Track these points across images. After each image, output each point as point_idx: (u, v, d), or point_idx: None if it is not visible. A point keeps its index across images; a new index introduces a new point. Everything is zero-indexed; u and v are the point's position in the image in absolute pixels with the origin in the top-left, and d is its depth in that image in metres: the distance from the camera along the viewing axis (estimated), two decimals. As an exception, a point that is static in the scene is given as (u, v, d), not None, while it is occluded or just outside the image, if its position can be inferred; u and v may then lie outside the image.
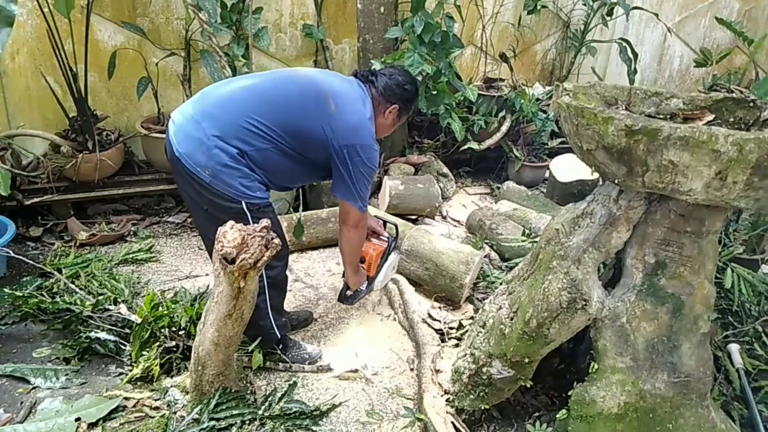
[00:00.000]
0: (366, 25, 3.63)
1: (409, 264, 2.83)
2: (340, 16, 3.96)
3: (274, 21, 3.82)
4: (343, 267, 2.38)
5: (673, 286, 1.66)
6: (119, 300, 2.49)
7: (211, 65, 3.29)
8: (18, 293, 2.47)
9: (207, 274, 2.98)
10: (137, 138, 3.56)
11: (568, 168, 3.67)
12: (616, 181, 1.63)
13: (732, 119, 1.90)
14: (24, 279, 2.75)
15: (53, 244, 3.19)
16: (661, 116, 1.91)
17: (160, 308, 2.25)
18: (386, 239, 2.52)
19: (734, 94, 1.92)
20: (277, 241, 1.71)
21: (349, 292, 2.46)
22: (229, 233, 1.68)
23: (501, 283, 2.19)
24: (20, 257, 2.54)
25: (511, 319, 1.84)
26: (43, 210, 3.40)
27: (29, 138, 3.36)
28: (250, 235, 1.68)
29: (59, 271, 2.80)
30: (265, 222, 1.74)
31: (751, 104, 1.84)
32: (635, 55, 4.05)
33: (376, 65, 3.48)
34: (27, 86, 3.40)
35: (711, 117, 1.89)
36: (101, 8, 3.38)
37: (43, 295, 2.50)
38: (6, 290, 2.46)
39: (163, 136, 3.42)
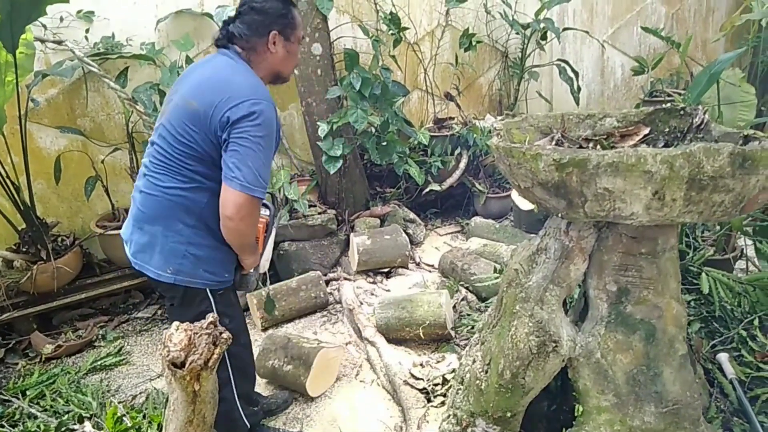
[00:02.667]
0: (306, 89, 3.65)
1: (386, 312, 2.76)
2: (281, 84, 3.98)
3: (216, 99, 3.83)
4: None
5: (640, 312, 1.60)
6: (85, 416, 2.36)
7: (156, 154, 3.25)
8: (-23, 428, 2.32)
9: (180, 368, 2.85)
10: (95, 238, 3.48)
11: (530, 194, 3.66)
12: (560, 215, 1.59)
13: (667, 129, 1.89)
14: (-14, 409, 2.60)
15: (17, 364, 3.05)
16: (597, 137, 1.89)
17: (125, 420, 2.12)
18: (267, 210, 2.10)
19: (665, 105, 1.91)
20: (226, 335, 1.62)
21: (244, 275, 2.06)
22: (175, 335, 1.59)
23: (475, 331, 2.12)
24: (-28, 391, 2.40)
25: (486, 372, 1.76)
26: (4, 329, 3.26)
27: (-19, 258, 3.26)
28: (196, 333, 1.60)
29: (23, 393, 2.66)
30: (211, 317, 1.65)
31: (682, 112, 1.84)
32: (576, 73, 4.12)
33: (323, 126, 3.48)
34: (-27, 206, 3.33)
35: (647, 131, 1.88)
36: (38, 117, 3.36)
37: (2, 425, 2.36)
38: (-36, 427, 2.32)
39: (119, 231, 3.40)
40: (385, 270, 3.50)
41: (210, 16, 3.63)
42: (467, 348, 2.01)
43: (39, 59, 3.23)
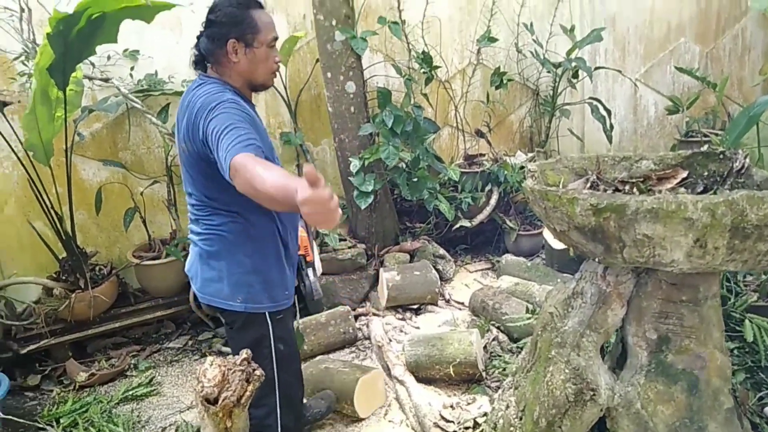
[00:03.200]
0: (339, 125, 3.72)
1: (415, 350, 2.74)
2: (315, 120, 4.07)
3: (251, 134, 3.93)
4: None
5: (682, 362, 1.56)
6: (115, 448, 2.38)
7: (193, 187, 3.34)
8: (12, 455, 2.36)
9: (209, 401, 2.86)
10: (130, 268, 3.57)
11: (562, 232, 3.63)
12: (597, 260, 1.57)
13: (706, 173, 1.87)
14: (21, 436, 2.65)
15: (51, 391, 3.10)
16: (634, 180, 1.88)
17: (155, 454, 2.13)
18: (302, 220, 2.10)
19: (703, 148, 1.89)
20: (259, 372, 1.63)
21: (308, 284, 2.11)
22: (209, 371, 1.61)
23: (507, 374, 2.08)
24: (9, 417, 2.44)
25: (520, 419, 1.72)
26: (41, 356, 3.33)
27: (23, 285, 3.36)
28: (230, 369, 1.61)
29: (57, 421, 2.70)
30: (245, 353, 1.67)
31: (721, 156, 1.82)
32: (608, 111, 4.11)
33: (355, 162, 3.53)
34: (17, 234, 3.45)
35: (684, 174, 1.86)
36: (83, 150, 3.49)
37: (37, 454, 2.39)
38: (-1, 454, 2.36)
39: (155, 262, 3.48)
40: (415, 306, 3.48)
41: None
42: (500, 392, 1.97)
43: (86, 95, 3.38)
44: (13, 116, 3.24)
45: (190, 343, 3.52)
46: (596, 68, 4.31)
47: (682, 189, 1.79)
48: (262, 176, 1.38)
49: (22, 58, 3.17)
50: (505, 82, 4.12)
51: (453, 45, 4.40)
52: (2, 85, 3.27)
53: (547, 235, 3.68)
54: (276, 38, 1.84)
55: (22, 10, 3.07)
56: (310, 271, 2.09)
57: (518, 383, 1.83)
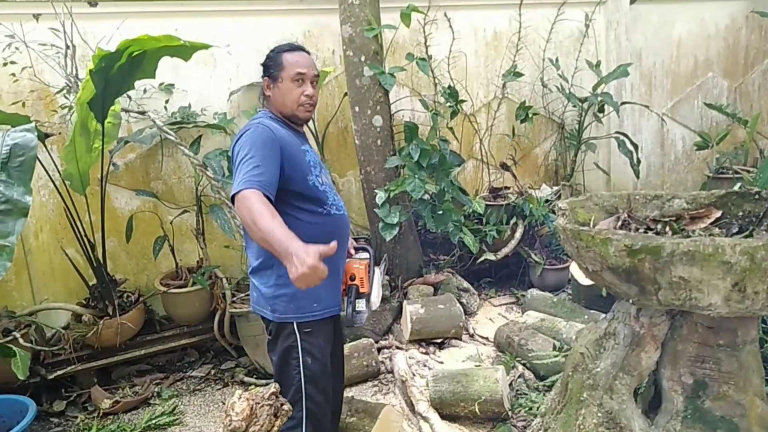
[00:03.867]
0: (366, 158, 3.77)
1: (439, 386, 2.71)
2: (341, 152, 4.13)
3: (279, 166, 4.00)
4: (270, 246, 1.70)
5: (720, 408, 1.51)
6: (139, 478, 2.37)
7: (220, 217, 3.41)
8: (37, 482, 2.37)
9: (231, 432, 2.84)
10: (157, 295, 3.61)
11: (589, 268, 3.58)
12: (631, 301, 1.55)
13: (741, 213, 1.84)
14: (46, 462, 2.66)
15: (76, 417, 3.12)
16: (667, 219, 1.86)
17: (179, 487, 2.12)
18: (366, 253, 2.27)
19: (736, 187, 1.87)
20: (287, 407, 1.63)
21: (357, 308, 2.14)
22: (237, 404, 1.61)
23: (538, 410, 2.04)
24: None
25: (550, 461, 1.68)
26: (67, 381, 3.37)
27: (53, 311, 3.43)
28: (258, 403, 1.61)
29: (81, 448, 2.72)
30: (273, 387, 1.67)
31: (756, 197, 1.79)
32: (635, 146, 4.09)
33: (381, 194, 3.56)
34: (50, 260, 3.53)
35: (718, 214, 1.84)
36: (116, 179, 3.58)
37: (62, 481, 2.40)
38: (25, 481, 2.37)
39: (182, 290, 3.52)
40: (438, 340, 3.45)
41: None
42: (528, 431, 1.93)
43: (122, 127, 3.49)
44: (52, 146, 3.36)
45: (212, 372, 3.52)
46: (623, 103, 4.32)
47: (717, 229, 1.76)
48: (259, 217, 1.67)
49: (64, 91, 3.30)
50: (530, 115, 4.15)
51: (478, 79, 4.46)
52: (44, 117, 3.40)
53: (574, 270, 3.64)
54: (300, 73, 2.02)
55: (67, 47, 3.20)
56: (362, 302, 2.13)
57: (548, 425, 1.79)
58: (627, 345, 1.62)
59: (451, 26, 4.16)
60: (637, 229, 1.78)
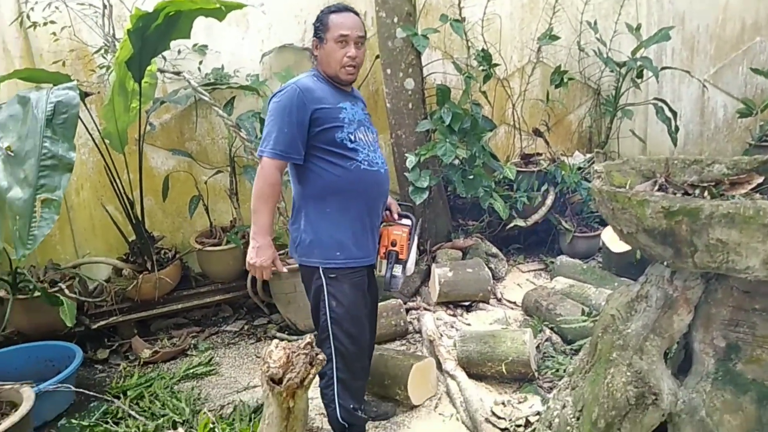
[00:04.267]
0: (396, 121, 3.76)
1: (467, 346, 2.76)
2: (372, 115, 4.09)
3: (311, 128, 4.03)
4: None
5: (752, 371, 1.51)
6: (178, 423, 2.51)
7: (253, 177, 3.45)
8: (84, 423, 2.53)
9: (264, 384, 2.96)
10: (193, 253, 3.73)
11: (621, 236, 3.55)
12: (666, 263, 1.55)
13: (784, 179, 1.80)
14: (92, 404, 2.82)
15: (119, 364, 3.29)
16: (705, 184, 1.83)
17: (216, 431, 2.23)
18: (408, 221, 2.35)
19: (781, 153, 1.83)
20: (321, 356, 1.70)
21: (394, 273, 2.24)
22: (275, 353, 1.69)
23: (565, 372, 2.07)
24: (82, 391, 2.61)
25: (577, 418, 1.72)
26: (109, 332, 3.53)
27: (95, 265, 3.58)
28: (294, 352, 1.68)
29: (124, 393, 2.87)
30: (308, 338, 1.74)
31: (801, 162, 1.75)
32: (674, 113, 3.98)
33: (411, 158, 3.57)
34: (91, 217, 3.66)
35: (760, 179, 1.80)
36: (152, 139, 3.66)
37: (107, 422, 2.55)
38: (74, 421, 2.53)
39: (216, 248, 3.62)
40: (466, 303, 3.49)
41: (311, 51, 3.85)
42: (555, 391, 1.97)
43: (158, 87, 3.55)
44: (91, 105, 3.44)
45: (246, 327, 3.64)
46: (662, 68, 4.18)
47: (758, 195, 1.73)
48: (258, 191, 2.06)
49: (102, 51, 3.36)
50: (565, 80, 4.06)
51: (513, 43, 4.36)
52: (83, 76, 3.47)
53: (606, 237, 3.61)
54: (343, 35, 2.06)
55: (105, 7, 3.24)
56: (398, 268, 2.22)
57: (576, 383, 1.82)
58: (659, 308, 1.62)
59: (486, -13, 4.06)
60: (674, 193, 1.75)
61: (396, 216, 2.35)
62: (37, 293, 3.00)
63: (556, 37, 4.12)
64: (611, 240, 3.54)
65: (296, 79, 2.12)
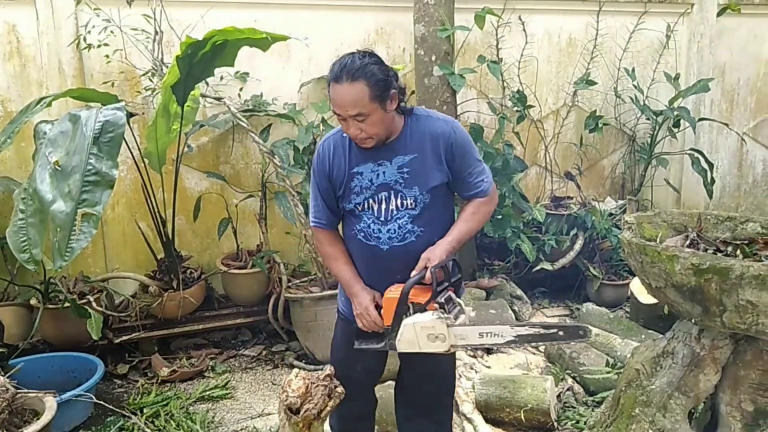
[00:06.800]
0: (428, 157, 3.79)
1: (486, 389, 2.71)
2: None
3: (343, 158, 4.09)
4: None
5: (781, 440, 1.46)
6: (191, 444, 2.51)
7: (284, 204, 3.52)
8: (100, 437, 2.55)
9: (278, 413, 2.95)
10: (218, 274, 3.77)
11: (650, 286, 3.47)
12: (693, 321, 1.51)
13: (822, 242, 1.75)
14: (108, 419, 2.85)
15: (137, 381, 3.32)
16: (738, 242, 1.79)
17: (229, 456, 2.22)
18: (431, 288, 1.75)
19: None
20: (340, 389, 1.69)
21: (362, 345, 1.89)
22: (294, 382, 1.69)
23: (585, 424, 2.01)
24: (101, 403, 2.65)
25: (595, 475, 1.67)
26: (131, 347, 3.58)
27: (122, 280, 3.65)
28: (313, 383, 1.68)
29: (141, 410, 2.89)
30: (328, 370, 1.74)
31: (841, 226, 1.70)
32: (710, 165, 3.93)
33: (440, 194, 3.57)
34: (123, 232, 3.76)
35: (796, 240, 1.76)
36: (189, 160, 3.76)
37: (122, 439, 2.57)
38: (90, 434, 2.56)
39: (241, 271, 3.66)
40: (488, 346, 3.43)
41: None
42: (574, 444, 1.91)
43: (198, 111, 3.66)
44: (133, 125, 3.57)
45: (264, 352, 3.65)
46: (700, 119, 4.14)
47: (794, 257, 1.68)
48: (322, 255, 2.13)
49: (149, 74, 3.50)
50: (600, 126, 4.05)
51: (549, 85, 4.39)
52: (129, 97, 3.61)
53: (634, 287, 3.54)
54: (337, 113, 1.75)
55: (156, 33, 3.40)
56: (374, 340, 1.89)
57: (595, 438, 1.77)
58: (685, 365, 1.58)
59: (524, 30, 4.12)
60: (705, 250, 1.72)
61: (428, 276, 1.75)
62: (66, 304, 3.07)
63: (592, 82, 4.14)
64: (640, 291, 3.46)
65: (333, 131, 1.94)
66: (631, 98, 4.24)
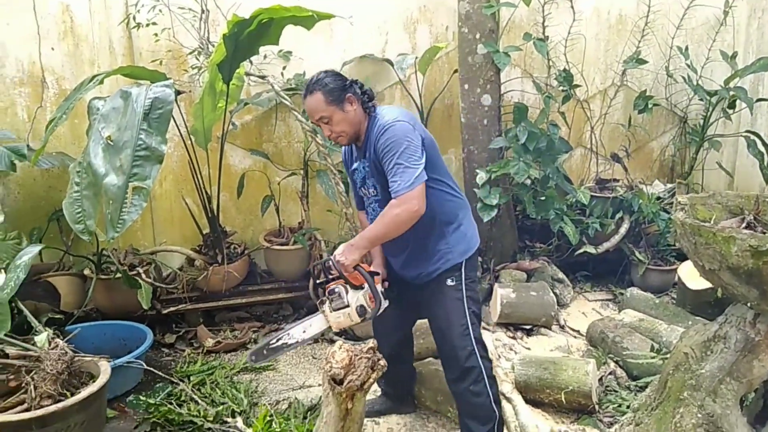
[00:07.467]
0: (470, 136, 3.75)
1: (526, 370, 2.71)
2: (445, 129, 4.13)
3: (384, 138, 4.08)
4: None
5: (839, 429, 1.40)
6: (237, 412, 2.59)
7: (326, 182, 3.56)
8: (151, 401, 2.67)
9: (319, 384, 3.01)
10: (260, 250, 3.86)
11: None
12: (749, 305, 1.46)
13: None
14: (157, 385, 2.97)
15: (184, 350, 3.44)
16: (800, 225, 1.71)
17: (273, 424, 2.29)
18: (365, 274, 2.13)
19: None
20: (382, 362, 1.72)
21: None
22: (338, 353, 1.72)
23: (628, 408, 1.99)
24: (152, 369, 2.76)
25: (639, 457, 1.65)
26: (178, 318, 3.71)
27: (169, 253, 3.77)
28: (357, 355, 1.71)
29: (188, 378, 3.00)
30: (372, 343, 1.76)
31: None
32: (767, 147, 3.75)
33: (482, 174, 3.55)
34: (170, 208, 3.87)
35: None
36: (233, 138, 3.83)
37: (171, 403, 2.68)
38: (141, 398, 2.68)
39: (283, 248, 3.73)
40: (527, 327, 3.42)
41: (390, 62, 3.91)
42: (617, 426, 1.89)
43: (243, 89, 3.71)
44: (180, 103, 3.64)
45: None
46: (758, 100, 3.95)
47: None
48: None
49: (196, 53, 3.56)
50: (650, 106, 3.92)
51: (596, 64, 4.26)
52: (176, 75, 3.69)
53: (683, 272, 3.44)
54: (313, 122, 2.24)
55: (203, 12, 3.44)
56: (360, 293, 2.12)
57: (640, 420, 1.74)
58: (738, 350, 1.53)
59: (572, 7, 3.99)
60: (763, 233, 1.66)
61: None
62: (118, 275, 3.20)
63: (643, 61, 3.99)
64: (689, 276, 3.36)
65: None
66: (684, 78, 4.07)
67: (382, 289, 2.24)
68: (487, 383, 2.20)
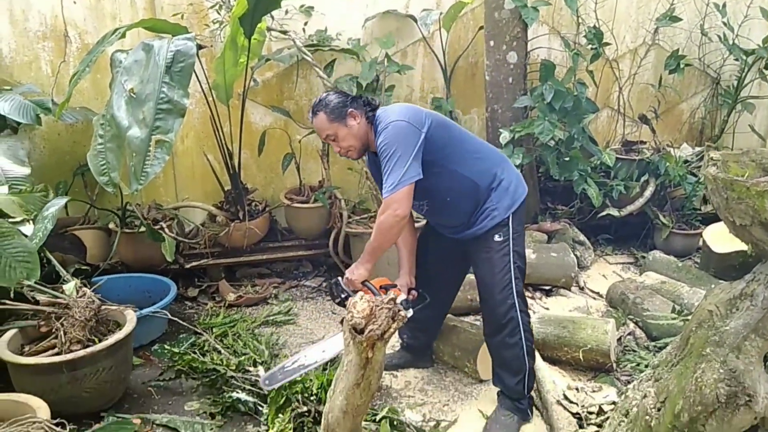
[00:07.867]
0: (494, 95, 3.68)
1: (545, 328, 2.72)
2: (468, 88, 4.06)
3: (405, 96, 4.03)
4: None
5: None
6: (258, 362, 2.65)
7: (347, 140, 3.52)
8: (175, 350, 2.74)
9: (338, 339, 3.07)
10: (281, 208, 3.88)
11: (725, 237, 3.29)
12: (781, 261, 1.43)
13: None
14: (181, 336, 3.05)
15: (206, 303, 3.52)
16: (838, 183, 1.66)
17: (294, 374, 2.34)
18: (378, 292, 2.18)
19: None
20: (403, 313, 1.73)
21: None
22: (359, 304, 1.73)
23: (647, 367, 1.99)
24: (176, 319, 2.83)
25: (658, 410, 1.65)
26: (200, 273, 3.78)
27: (191, 209, 3.81)
28: (378, 306, 1.72)
29: (210, 329, 3.07)
30: (392, 293, 1.77)
31: None
32: (803, 109, 3.62)
33: (505, 134, 3.49)
34: (192, 164, 3.89)
35: None
36: (254, 95, 3.80)
37: (195, 353, 2.74)
38: (166, 347, 2.75)
39: (304, 206, 3.75)
40: (546, 287, 3.41)
41: (413, 18, 3.82)
42: (636, 382, 1.89)
43: (264, 45, 3.67)
44: (201, 58, 3.62)
45: (323, 284, 3.77)
46: (797, 59, 3.79)
47: None
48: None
49: (217, 6, 3.51)
50: (682, 66, 3.79)
51: (627, 22, 4.12)
52: (197, 30, 3.65)
53: (708, 235, 3.38)
54: (321, 139, 2.36)
55: (224, -38, 3.38)
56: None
57: (660, 375, 1.74)
58: (765, 308, 1.51)
59: (605, -40, 3.84)
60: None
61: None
62: (141, 229, 3.25)
63: (677, 19, 3.84)
64: (714, 239, 3.30)
65: None
66: (719, 36, 3.92)
67: (407, 298, 2.27)
68: (523, 336, 2.25)
